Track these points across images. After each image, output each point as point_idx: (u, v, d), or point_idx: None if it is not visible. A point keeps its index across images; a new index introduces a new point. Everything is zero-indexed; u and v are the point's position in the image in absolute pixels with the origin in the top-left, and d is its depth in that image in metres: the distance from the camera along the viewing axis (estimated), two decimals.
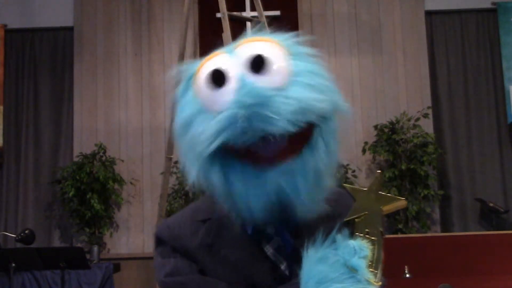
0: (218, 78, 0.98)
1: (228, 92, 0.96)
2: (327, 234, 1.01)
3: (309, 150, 0.99)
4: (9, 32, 6.50)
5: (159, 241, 1.15)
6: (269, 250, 1.08)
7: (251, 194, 0.98)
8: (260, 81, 0.96)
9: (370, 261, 0.97)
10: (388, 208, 1.04)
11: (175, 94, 1.08)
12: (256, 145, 0.95)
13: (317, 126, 0.99)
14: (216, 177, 0.99)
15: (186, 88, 1.05)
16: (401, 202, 1.05)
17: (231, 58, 1.01)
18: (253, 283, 1.07)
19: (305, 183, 0.98)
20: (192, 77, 1.04)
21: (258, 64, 0.97)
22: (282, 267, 1.08)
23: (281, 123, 0.93)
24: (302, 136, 0.98)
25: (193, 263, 1.10)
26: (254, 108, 0.93)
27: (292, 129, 0.94)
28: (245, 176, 0.98)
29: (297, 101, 0.95)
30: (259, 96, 0.94)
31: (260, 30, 1.08)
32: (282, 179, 0.97)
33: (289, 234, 1.09)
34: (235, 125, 0.93)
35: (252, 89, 0.94)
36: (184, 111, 1.03)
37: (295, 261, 1.05)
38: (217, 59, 1.02)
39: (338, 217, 1.08)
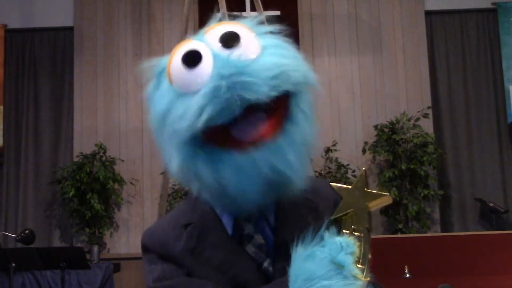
0: (192, 59, 0.99)
1: (204, 69, 0.97)
2: (309, 227, 1.02)
3: (291, 124, 1.00)
4: (9, 32, 6.50)
5: (145, 249, 1.17)
6: (250, 249, 1.09)
7: (245, 179, 0.97)
8: (234, 54, 0.97)
9: (357, 257, 0.98)
10: (373, 204, 1.06)
11: (146, 93, 1.08)
12: (239, 124, 0.95)
13: (293, 96, 1.00)
14: (202, 167, 0.99)
15: (158, 82, 1.06)
16: (386, 198, 1.06)
17: (202, 41, 1.02)
18: (238, 283, 1.07)
19: (296, 157, 0.99)
20: (163, 70, 1.05)
21: (229, 39, 0.99)
22: (265, 264, 1.08)
23: (263, 87, 0.94)
24: (280, 112, 0.99)
25: (180, 268, 1.10)
26: (234, 78, 0.94)
27: (273, 93, 0.95)
28: (234, 161, 0.97)
29: (274, 66, 0.97)
30: (236, 66, 0.95)
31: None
32: (273, 157, 0.97)
33: (269, 230, 1.10)
34: (219, 97, 0.94)
35: (228, 60, 0.96)
36: (160, 102, 1.03)
37: (278, 257, 1.07)
38: (188, 45, 1.03)
39: (319, 210, 1.10)
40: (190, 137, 0.97)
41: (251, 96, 0.93)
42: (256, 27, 1.06)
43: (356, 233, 1.02)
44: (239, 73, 0.94)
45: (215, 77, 0.95)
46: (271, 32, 1.06)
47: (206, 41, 1.01)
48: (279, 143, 0.97)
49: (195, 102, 0.95)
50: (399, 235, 5.42)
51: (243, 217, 1.09)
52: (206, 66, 0.97)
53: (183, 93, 0.99)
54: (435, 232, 6.01)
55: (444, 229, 6.12)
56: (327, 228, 1.02)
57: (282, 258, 1.03)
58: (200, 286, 1.07)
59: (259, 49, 1.00)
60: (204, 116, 0.94)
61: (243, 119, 0.95)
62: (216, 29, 1.03)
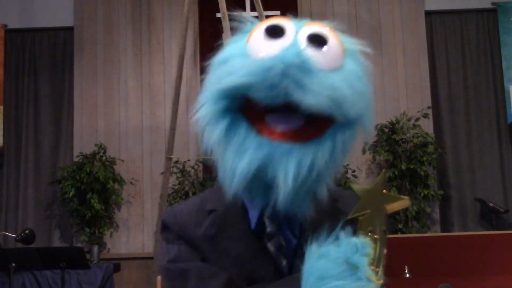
0: (276, 31, 0.98)
1: (279, 46, 0.96)
2: (330, 233, 1.01)
3: (315, 144, 0.97)
4: (9, 32, 6.50)
5: (165, 227, 1.16)
6: (271, 247, 1.08)
7: (240, 157, 0.96)
8: (312, 52, 0.95)
9: (372, 259, 0.97)
10: (391, 207, 1.04)
11: (227, 41, 1.07)
12: (275, 114, 0.95)
13: (335, 125, 0.98)
14: (219, 129, 0.98)
15: (240, 37, 1.05)
16: (405, 202, 1.04)
17: (295, 26, 1.00)
18: (252, 277, 1.07)
19: (295, 173, 0.95)
20: (250, 30, 1.04)
21: (318, 41, 0.97)
22: (283, 265, 1.08)
23: (311, 96, 0.92)
24: (315, 129, 0.97)
25: (196, 252, 1.10)
26: (295, 70, 0.92)
27: (316, 108, 0.93)
28: (245, 139, 0.97)
29: (334, 89, 0.95)
30: (305, 61, 0.93)
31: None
32: (276, 157, 0.95)
33: (291, 233, 1.09)
34: (267, 75, 0.93)
35: (302, 53, 0.94)
36: (226, 50, 1.03)
37: (297, 260, 1.06)
38: (283, 21, 1.02)
39: (343, 218, 1.07)
40: (230, 90, 0.96)
41: (296, 97, 0.92)
42: (350, 44, 1.04)
43: (372, 235, 1.01)
44: (302, 70, 0.92)
45: (279, 57, 0.93)
46: (359, 58, 1.05)
47: (300, 29, 0.99)
48: (291, 150, 0.96)
49: (247, 65, 0.95)
50: (399, 235, 5.41)
51: (268, 215, 1.08)
52: (281, 44, 0.96)
53: (249, 53, 0.98)
54: (435, 232, 6.01)
55: (444, 229, 6.12)
56: (343, 228, 1.01)
57: (301, 262, 1.01)
58: (214, 274, 1.06)
59: (337, 66, 0.98)
60: (245, 81, 0.93)
61: (281, 112, 0.95)
62: (315, 26, 1.01)
